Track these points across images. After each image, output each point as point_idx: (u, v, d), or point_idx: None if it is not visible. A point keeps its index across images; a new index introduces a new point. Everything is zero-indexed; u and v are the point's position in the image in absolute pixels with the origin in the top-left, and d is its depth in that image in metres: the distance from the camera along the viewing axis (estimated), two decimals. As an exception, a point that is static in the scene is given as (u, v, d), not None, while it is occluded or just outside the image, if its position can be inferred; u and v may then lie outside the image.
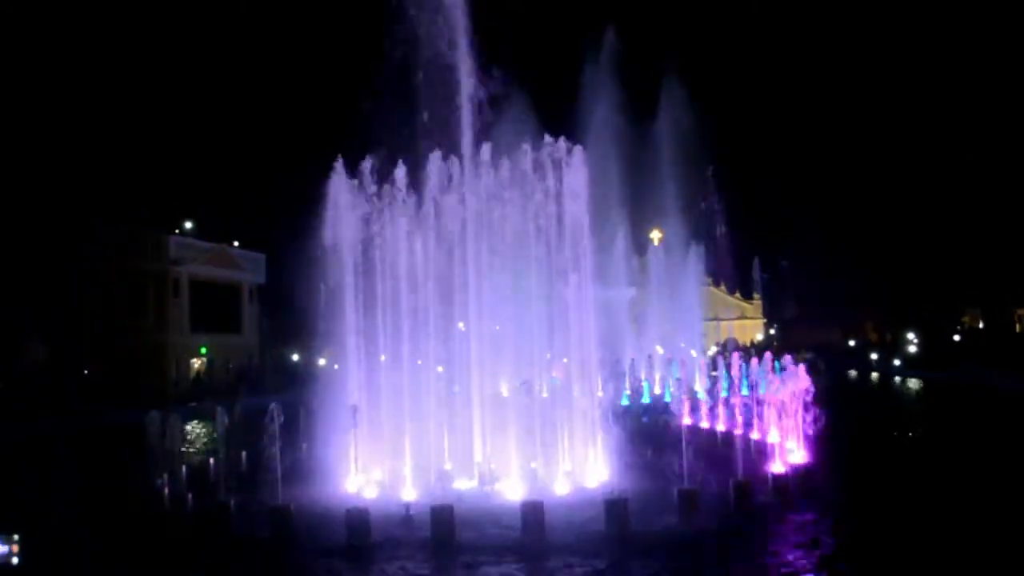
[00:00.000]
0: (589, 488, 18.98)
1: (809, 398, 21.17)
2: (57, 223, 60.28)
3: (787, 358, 22.17)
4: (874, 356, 73.19)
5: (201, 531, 17.38)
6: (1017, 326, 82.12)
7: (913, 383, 55.70)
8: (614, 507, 15.97)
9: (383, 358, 21.46)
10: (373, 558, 15.21)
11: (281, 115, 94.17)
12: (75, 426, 38.68)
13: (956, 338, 78.25)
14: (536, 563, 14.78)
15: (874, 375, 64.63)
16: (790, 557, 14.78)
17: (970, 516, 17.24)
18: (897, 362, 66.91)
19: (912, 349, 73.88)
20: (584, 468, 20.05)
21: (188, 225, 71.97)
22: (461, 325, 22.51)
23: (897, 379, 60.23)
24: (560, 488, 18.84)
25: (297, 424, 23.49)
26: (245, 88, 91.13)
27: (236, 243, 75.78)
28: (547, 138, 22.65)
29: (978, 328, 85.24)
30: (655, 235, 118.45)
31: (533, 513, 15.70)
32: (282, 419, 18.36)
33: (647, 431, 27.77)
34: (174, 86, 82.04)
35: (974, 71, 74.35)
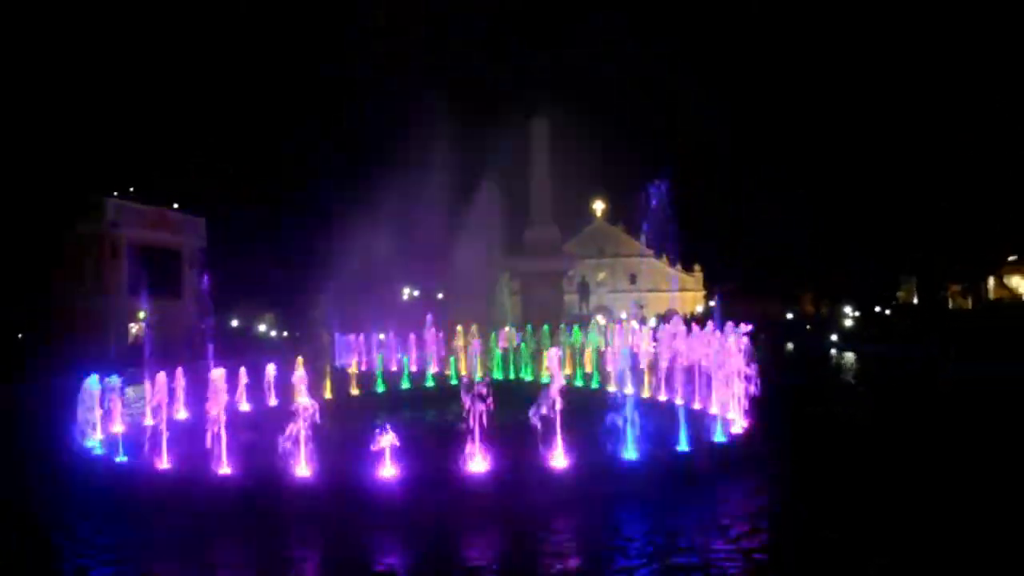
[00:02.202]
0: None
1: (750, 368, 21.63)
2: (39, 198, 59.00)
3: (729, 326, 22.41)
4: (810, 328, 74.65)
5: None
6: (950, 302, 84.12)
7: (848, 356, 56.98)
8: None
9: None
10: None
11: (221, 77, 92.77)
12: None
13: (887, 312, 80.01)
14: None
15: (811, 348, 65.80)
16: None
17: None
18: (834, 336, 68.20)
19: (849, 323, 75.36)
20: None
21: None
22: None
23: (833, 352, 61.49)
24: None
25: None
26: (186, 49, 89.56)
27: (176, 206, 74.75)
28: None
29: (911, 304, 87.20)
30: (598, 206, 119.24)
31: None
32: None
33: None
34: (114, 46, 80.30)
35: (930, 50, 75.29)
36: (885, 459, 20.57)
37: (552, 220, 56.41)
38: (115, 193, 67.44)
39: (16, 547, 15.30)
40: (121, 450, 19.64)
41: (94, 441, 20.91)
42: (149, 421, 22.83)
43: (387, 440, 16.41)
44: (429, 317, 41.80)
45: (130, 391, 25.85)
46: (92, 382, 21.57)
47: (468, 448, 16.75)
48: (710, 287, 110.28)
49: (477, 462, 16.68)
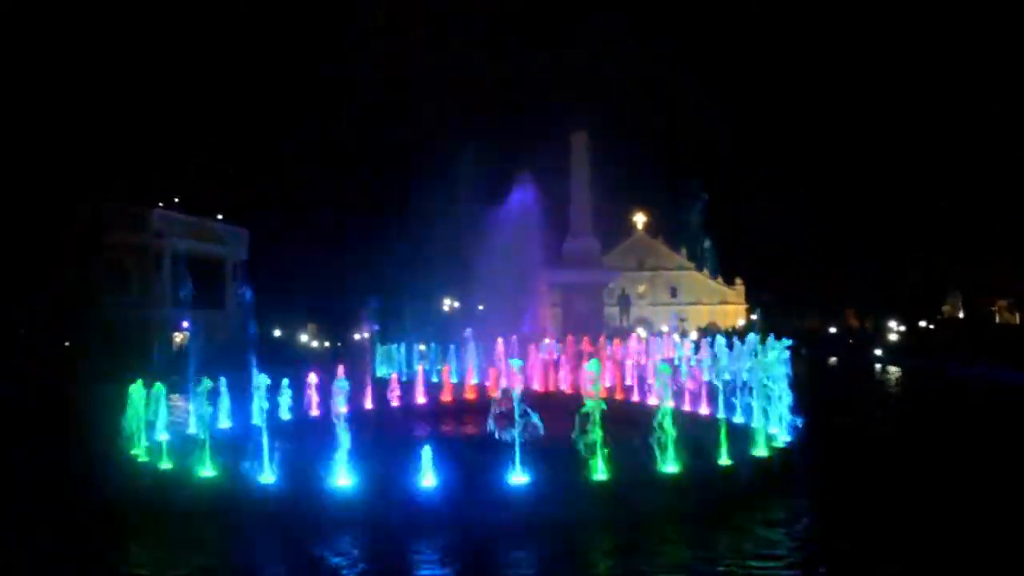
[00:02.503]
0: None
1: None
2: (40, 197, 59.95)
3: (771, 340, 22.24)
4: (852, 343, 73.91)
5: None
6: (997, 317, 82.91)
7: (893, 370, 56.33)
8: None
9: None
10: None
11: (267, 92, 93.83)
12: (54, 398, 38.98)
13: (931, 327, 79.02)
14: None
15: (854, 362, 65.10)
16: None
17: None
18: (878, 351, 67.42)
19: (893, 337, 74.48)
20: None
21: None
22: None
23: (878, 366, 60.77)
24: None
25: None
26: (229, 65, 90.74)
27: (220, 217, 75.68)
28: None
29: (957, 318, 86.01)
30: (638, 218, 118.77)
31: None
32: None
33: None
34: (157, 61, 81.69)
35: (957, 60, 74.46)
36: (910, 472, 20.41)
37: (592, 232, 56.29)
38: (160, 204, 68.35)
39: (54, 559, 15.46)
40: (165, 457, 19.86)
41: (139, 448, 21.13)
42: (193, 429, 23.07)
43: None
44: (469, 329, 41.83)
45: (174, 399, 26.13)
46: (137, 389, 21.77)
47: (509, 461, 16.76)
48: (751, 300, 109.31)
49: (517, 475, 16.69)
